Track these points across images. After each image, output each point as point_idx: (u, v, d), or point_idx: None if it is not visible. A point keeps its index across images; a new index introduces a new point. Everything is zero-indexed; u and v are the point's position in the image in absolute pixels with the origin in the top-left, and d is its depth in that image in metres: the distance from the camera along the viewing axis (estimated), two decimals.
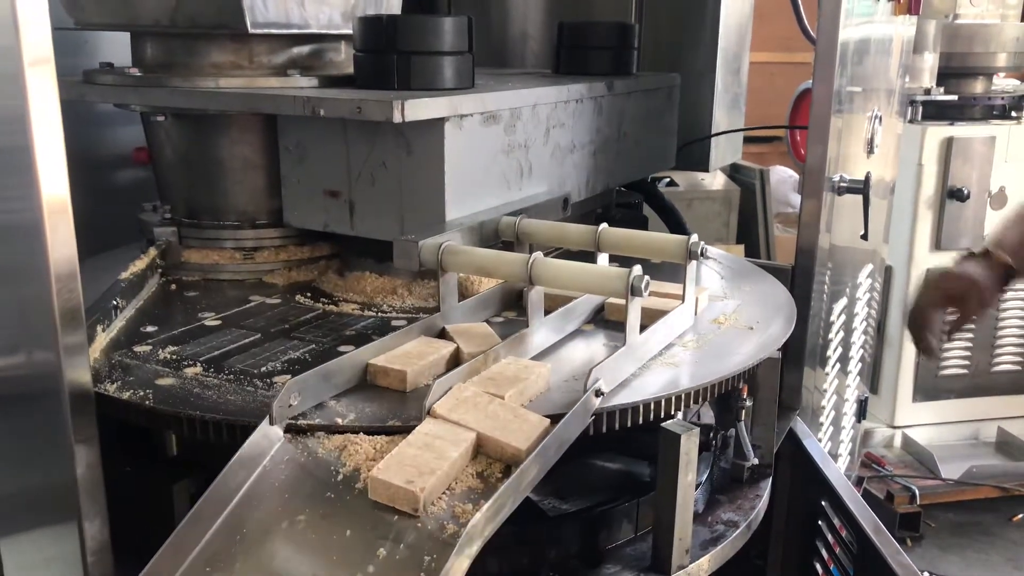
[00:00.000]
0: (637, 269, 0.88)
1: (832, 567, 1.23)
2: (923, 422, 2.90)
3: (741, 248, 3.41)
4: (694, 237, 1.02)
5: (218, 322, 1.05)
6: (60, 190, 0.76)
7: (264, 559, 0.70)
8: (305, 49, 1.23)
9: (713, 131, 2.09)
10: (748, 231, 3.55)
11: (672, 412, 0.93)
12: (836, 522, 1.20)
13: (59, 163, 0.76)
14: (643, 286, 0.87)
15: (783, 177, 4.07)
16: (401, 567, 0.66)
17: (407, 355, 0.91)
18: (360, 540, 0.70)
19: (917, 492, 2.66)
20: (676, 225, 1.88)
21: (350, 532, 0.71)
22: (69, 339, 0.79)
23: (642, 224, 1.63)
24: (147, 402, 0.85)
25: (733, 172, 3.72)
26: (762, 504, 1.11)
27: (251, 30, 1.12)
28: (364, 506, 0.73)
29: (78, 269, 0.78)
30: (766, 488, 1.14)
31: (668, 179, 2.78)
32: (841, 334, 1.67)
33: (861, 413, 2.12)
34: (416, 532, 0.69)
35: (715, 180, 3.68)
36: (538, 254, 0.94)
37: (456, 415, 0.79)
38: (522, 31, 2.10)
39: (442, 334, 0.98)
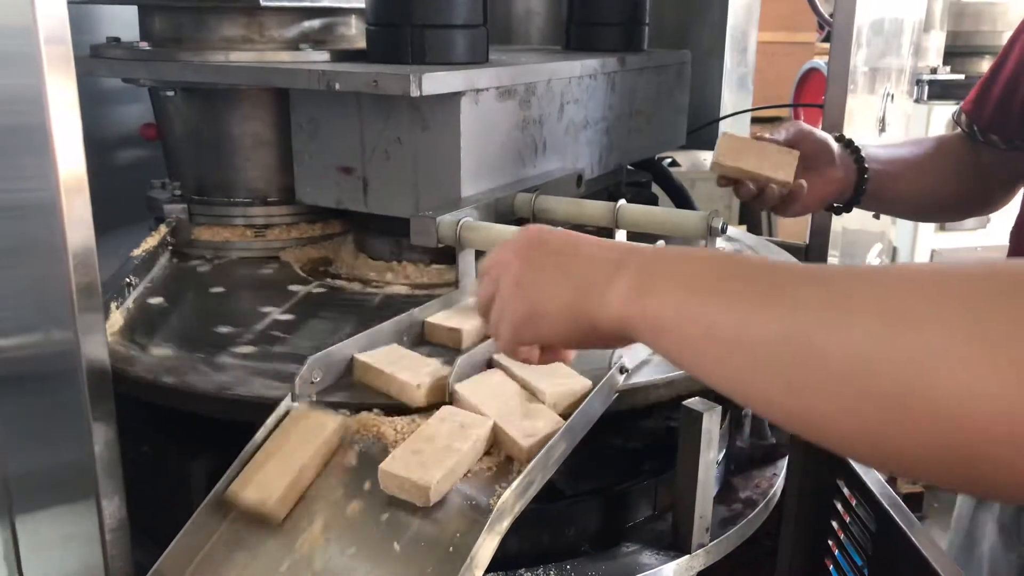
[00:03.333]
0: (661, 245, 0.87)
1: (848, 546, 1.23)
2: None
3: (743, 228, 3.40)
4: (712, 212, 1.01)
5: (234, 299, 1.04)
6: (77, 168, 0.75)
7: (287, 539, 0.69)
8: (316, 23, 1.21)
9: (722, 110, 2.08)
10: (751, 211, 3.54)
11: (693, 391, 0.92)
12: (853, 501, 1.20)
13: (76, 141, 0.75)
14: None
15: None
16: (430, 544, 0.66)
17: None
18: (387, 516, 0.69)
19: None
20: (685, 204, 1.86)
21: (376, 509, 0.70)
22: (86, 316, 0.78)
23: (652, 203, 1.62)
24: (165, 379, 0.84)
25: None
26: (779, 483, 1.11)
27: (263, 3, 1.10)
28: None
29: (95, 246, 0.77)
30: (783, 467, 1.14)
31: (671, 159, 2.78)
32: None
33: None
34: (445, 509, 0.68)
35: None
36: None
37: (477, 399, 0.77)
38: (527, 8, 2.08)
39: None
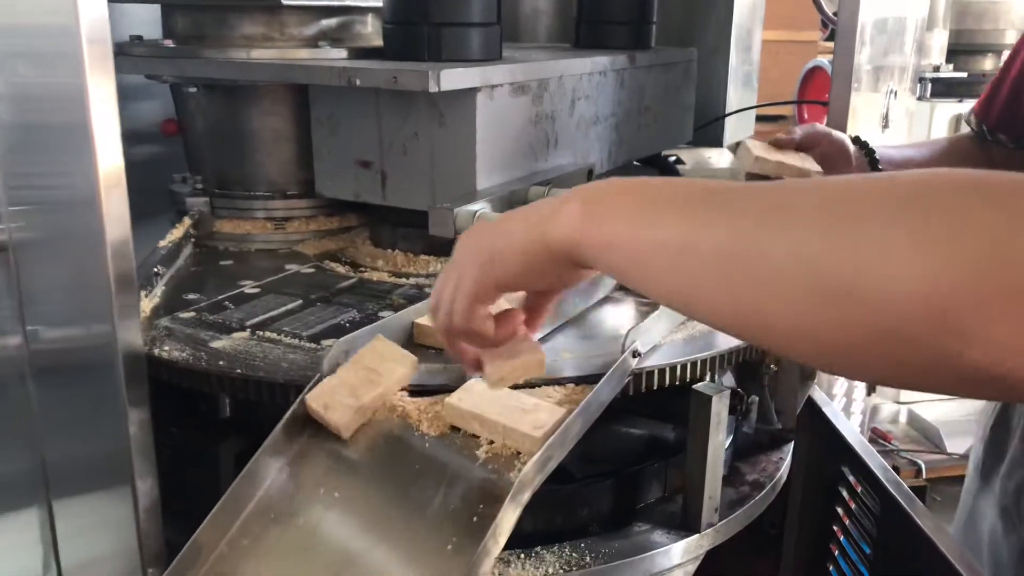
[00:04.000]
0: None
1: (853, 531, 1.26)
2: (928, 398, 2.94)
3: None
4: None
5: (257, 289, 1.07)
6: (115, 163, 0.79)
7: (319, 510, 0.73)
8: (334, 21, 1.25)
9: (727, 108, 2.11)
10: None
11: (703, 375, 0.95)
12: (858, 487, 1.23)
13: (114, 138, 0.78)
14: None
15: None
16: (455, 514, 0.69)
17: None
18: (412, 491, 0.73)
19: (923, 466, 2.70)
20: None
21: (402, 483, 0.73)
22: (123, 306, 0.81)
23: None
24: (201, 364, 0.87)
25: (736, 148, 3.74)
26: (785, 466, 1.14)
27: (284, 2, 1.13)
28: (413, 460, 0.76)
29: (131, 239, 0.81)
30: (788, 452, 1.17)
31: (675, 157, 2.81)
32: None
33: (871, 387, 2.15)
34: (468, 483, 0.72)
35: (722, 158, 3.70)
36: None
37: (473, 406, 0.78)
38: (534, 7, 2.11)
39: None
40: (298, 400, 0.78)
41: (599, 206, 0.59)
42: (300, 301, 1.04)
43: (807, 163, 1.18)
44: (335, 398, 0.77)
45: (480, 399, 0.77)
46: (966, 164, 1.24)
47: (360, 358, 0.80)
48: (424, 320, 0.91)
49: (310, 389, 0.79)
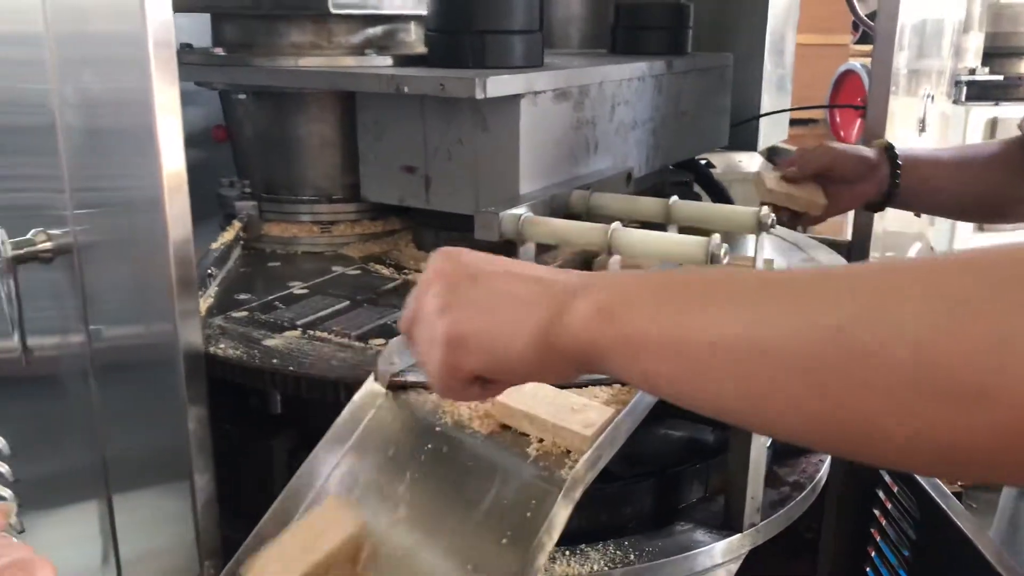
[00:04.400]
0: (716, 238, 0.92)
1: (891, 533, 1.27)
2: None
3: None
4: (764, 209, 1.05)
5: (306, 290, 1.10)
6: (178, 166, 0.81)
7: (374, 504, 0.75)
8: (379, 29, 1.28)
9: (761, 112, 2.11)
10: None
11: None
12: (895, 488, 1.23)
13: (178, 142, 0.81)
14: (722, 253, 0.91)
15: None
16: (508, 509, 0.71)
17: None
18: (465, 487, 0.75)
19: None
20: (725, 203, 1.91)
21: (455, 478, 0.76)
22: (184, 305, 0.84)
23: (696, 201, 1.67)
24: (255, 361, 0.90)
25: (771, 154, 3.74)
26: (825, 468, 1.15)
27: (332, 11, 1.16)
28: (465, 457, 0.78)
29: (192, 241, 0.83)
30: (827, 455, 1.18)
31: (706, 160, 2.82)
32: None
33: None
34: (520, 480, 0.74)
35: (752, 162, 3.70)
36: (617, 224, 0.98)
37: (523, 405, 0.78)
38: (567, 14, 2.13)
39: None
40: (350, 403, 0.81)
41: (620, 300, 0.51)
42: (347, 302, 1.07)
43: (816, 196, 1.19)
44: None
45: (530, 398, 0.79)
46: (1015, 168, 1.24)
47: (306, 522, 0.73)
48: None
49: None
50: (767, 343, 0.44)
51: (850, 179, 1.20)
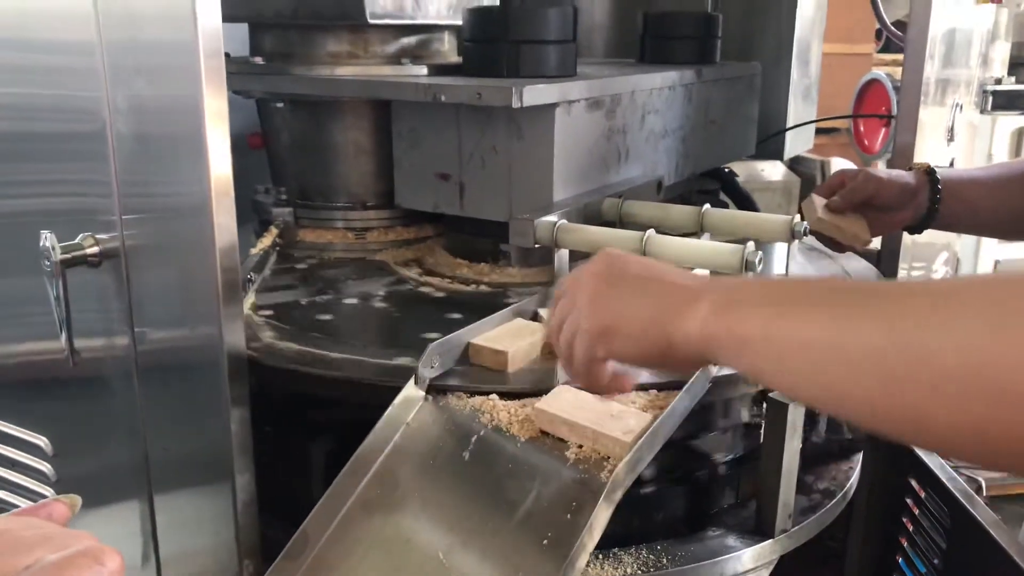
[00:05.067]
0: (751, 245, 0.93)
1: (920, 542, 1.27)
2: None
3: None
4: (796, 217, 1.06)
5: (342, 295, 1.12)
6: (225, 173, 0.83)
7: (416, 505, 0.77)
8: (414, 39, 1.30)
9: (788, 121, 2.12)
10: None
11: None
12: (922, 494, 1.23)
13: (225, 148, 0.82)
14: (757, 261, 0.92)
15: (843, 168, 4.05)
16: (549, 511, 0.72)
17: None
18: (506, 489, 0.76)
19: (984, 484, 2.66)
20: (753, 212, 1.91)
21: (494, 481, 0.77)
22: (229, 309, 0.86)
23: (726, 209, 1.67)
24: (295, 365, 0.92)
25: (793, 163, 3.73)
26: (855, 476, 1.15)
27: (370, 21, 1.18)
28: (506, 460, 0.79)
29: (237, 245, 0.85)
30: (858, 461, 1.18)
31: (728, 169, 2.83)
32: None
33: None
34: (560, 482, 0.75)
35: (775, 171, 3.70)
36: (651, 231, 0.99)
37: (563, 411, 0.80)
38: (591, 21, 2.15)
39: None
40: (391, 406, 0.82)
41: (734, 302, 0.60)
42: (384, 306, 1.08)
43: (862, 231, 1.18)
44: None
45: (569, 404, 0.80)
46: None
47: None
48: (479, 341, 0.92)
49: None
50: (843, 346, 0.52)
51: (892, 206, 1.19)
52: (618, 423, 0.77)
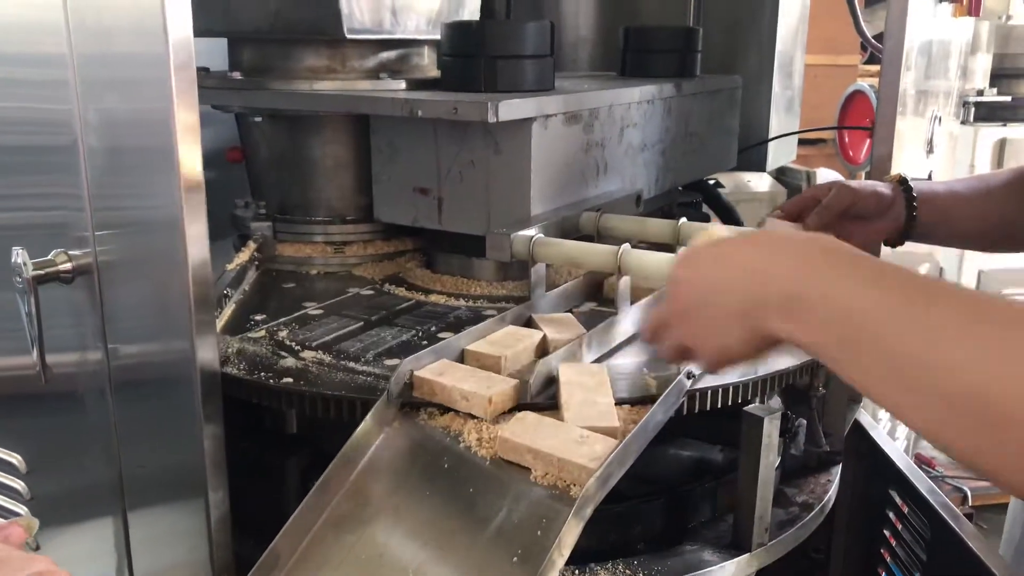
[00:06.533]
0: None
1: (901, 554, 1.27)
2: None
3: None
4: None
5: (320, 311, 1.12)
6: (197, 186, 0.82)
7: (387, 522, 0.76)
8: (393, 54, 1.30)
9: (770, 133, 2.13)
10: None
11: (754, 397, 0.97)
12: (905, 509, 1.23)
13: (196, 162, 0.82)
14: None
15: (828, 179, 4.07)
16: (519, 527, 0.72)
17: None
18: (476, 506, 0.76)
19: (969, 493, 2.67)
20: (734, 224, 1.92)
21: (466, 498, 0.77)
22: (201, 323, 0.85)
23: (705, 222, 1.68)
24: (272, 381, 0.92)
25: (779, 174, 3.74)
26: (834, 488, 1.15)
27: (347, 35, 1.18)
28: (477, 476, 0.79)
29: (210, 260, 0.85)
30: (836, 474, 1.18)
31: (714, 180, 2.84)
32: None
33: None
34: (531, 499, 0.75)
35: (761, 182, 3.71)
36: (626, 245, 1.00)
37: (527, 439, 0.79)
38: (576, 35, 2.16)
39: (528, 323, 1.04)
40: (363, 422, 0.82)
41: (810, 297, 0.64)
42: (361, 322, 1.08)
43: None
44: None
45: (533, 430, 0.79)
46: None
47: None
48: (475, 347, 0.92)
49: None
50: (882, 339, 0.58)
51: (870, 215, 1.17)
52: (583, 448, 0.76)
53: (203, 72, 1.34)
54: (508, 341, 0.95)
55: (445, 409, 0.86)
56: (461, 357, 0.94)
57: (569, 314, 1.07)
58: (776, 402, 1.19)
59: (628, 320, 1.03)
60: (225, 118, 1.38)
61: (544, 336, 0.99)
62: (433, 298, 1.18)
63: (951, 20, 1.73)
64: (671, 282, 0.78)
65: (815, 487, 1.15)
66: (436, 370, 0.87)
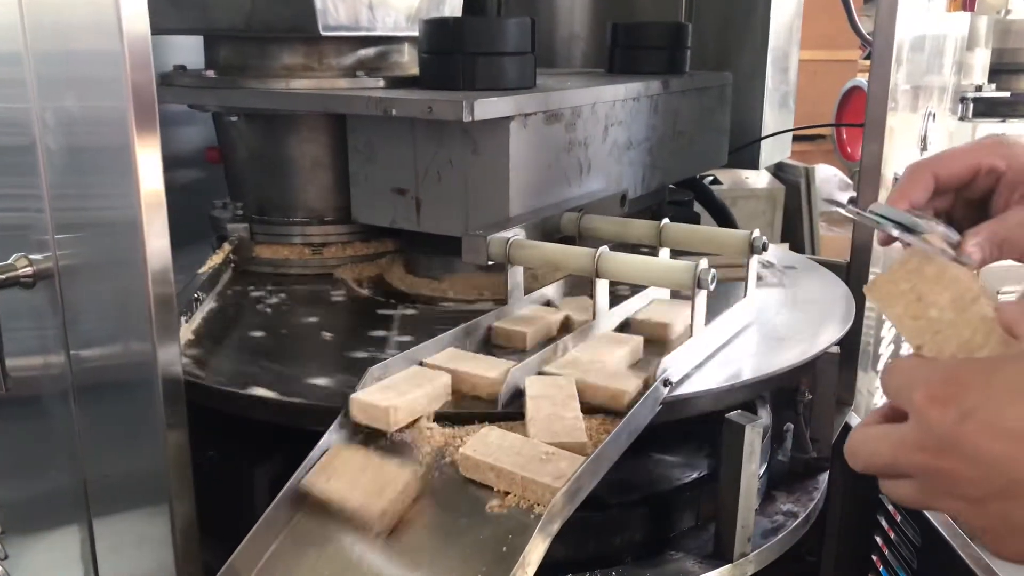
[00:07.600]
0: (703, 262, 0.90)
1: (893, 562, 1.24)
2: None
3: (786, 246, 3.41)
4: (756, 232, 1.04)
5: (296, 315, 1.09)
6: (156, 187, 0.80)
7: (353, 537, 0.74)
8: (371, 51, 1.27)
9: (763, 130, 2.10)
10: (793, 229, 3.54)
11: (735, 404, 0.95)
12: (897, 516, 1.21)
13: (156, 162, 0.79)
14: (709, 279, 0.89)
15: (828, 176, 4.04)
16: (485, 544, 0.70)
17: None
18: (442, 519, 0.73)
19: None
20: (726, 222, 1.89)
21: (432, 512, 0.74)
22: (163, 328, 0.82)
23: (694, 221, 1.65)
24: (239, 387, 0.89)
25: (777, 170, 3.72)
26: (820, 495, 1.12)
27: (323, 33, 1.16)
28: (443, 488, 0.76)
29: (171, 262, 0.82)
30: (824, 480, 1.16)
31: (712, 177, 2.81)
32: (892, 334, 1.67)
33: None
34: (497, 513, 0.72)
35: (759, 178, 3.68)
36: (604, 248, 0.97)
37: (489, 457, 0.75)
38: (569, 32, 2.13)
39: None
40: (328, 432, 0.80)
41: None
42: (337, 326, 1.05)
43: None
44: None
45: (496, 448, 0.76)
46: None
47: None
48: (432, 360, 0.90)
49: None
50: None
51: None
52: (548, 467, 0.73)
53: (180, 70, 1.31)
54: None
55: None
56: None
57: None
58: (767, 413, 1.16)
59: (605, 324, 1.00)
60: (205, 117, 1.35)
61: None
62: (412, 301, 1.15)
63: (945, 15, 1.71)
64: (924, 427, 0.54)
65: (801, 495, 1.12)
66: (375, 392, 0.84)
